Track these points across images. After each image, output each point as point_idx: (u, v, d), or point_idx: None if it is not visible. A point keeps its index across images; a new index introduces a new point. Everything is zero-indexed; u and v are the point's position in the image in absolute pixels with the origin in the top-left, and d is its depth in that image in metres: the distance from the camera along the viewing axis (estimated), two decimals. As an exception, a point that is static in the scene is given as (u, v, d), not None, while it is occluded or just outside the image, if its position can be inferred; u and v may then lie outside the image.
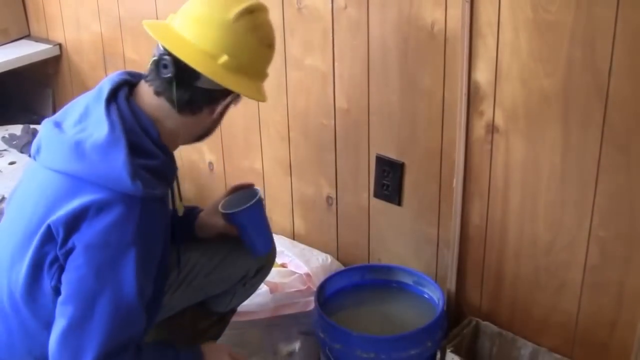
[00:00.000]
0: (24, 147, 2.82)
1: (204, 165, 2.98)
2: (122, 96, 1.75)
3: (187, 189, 3.07)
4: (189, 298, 2.17)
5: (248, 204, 2.04)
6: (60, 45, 3.35)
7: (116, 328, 1.66)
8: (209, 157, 2.95)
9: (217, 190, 2.95)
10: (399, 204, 2.43)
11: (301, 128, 2.60)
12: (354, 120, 2.43)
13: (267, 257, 2.22)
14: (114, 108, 1.71)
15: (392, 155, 2.38)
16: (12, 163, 2.76)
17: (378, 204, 2.49)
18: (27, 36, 3.47)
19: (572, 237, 2.06)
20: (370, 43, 2.30)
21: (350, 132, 2.46)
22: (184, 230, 2.11)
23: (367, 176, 2.48)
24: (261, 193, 2.08)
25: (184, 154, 3.03)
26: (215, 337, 2.33)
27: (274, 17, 2.46)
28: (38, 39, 3.43)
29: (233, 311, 2.33)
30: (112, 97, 1.74)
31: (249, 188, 2.13)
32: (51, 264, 1.69)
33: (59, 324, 1.66)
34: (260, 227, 2.10)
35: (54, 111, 3.49)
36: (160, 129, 1.75)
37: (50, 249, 1.68)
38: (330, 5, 2.34)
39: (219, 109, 1.80)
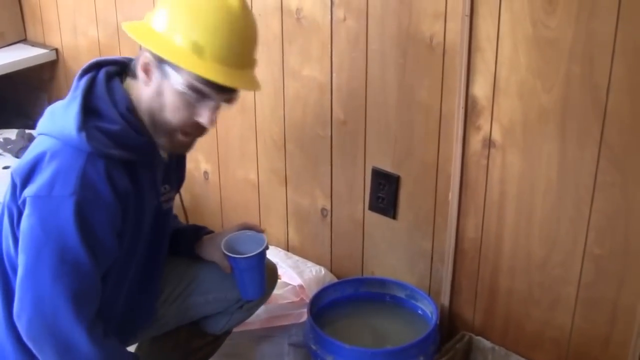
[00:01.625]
0: (19, 151, 2.81)
1: (199, 175, 2.97)
2: (104, 71, 1.81)
3: (182, 197, 3.07)
4: (184, 315, 2.17)
5: (252, 253, 2.03)
6: (56, 50, 3.35)
7: (66, 278, 1.69)
8: (204, 166, 2.95)
9: (212, 199, 2.95)
10: (394, 217, 2.43)
11: (297, 139, 2.60)
12: (350, 132, 2.43)
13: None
14: (87, 77, 1.79)
15: (388, 168, 2.38)
16: (6, 167, 2.75)
17: (373, 217, 2.48)
18: (24, 40, 3.47)
19: (567, 253, 2.06)
20: (368, 55, 2.30)
21: (347, 144, 2.46)
22: (187, 244, 2.14)
23: (362, 189, 2.48)
24: (267, 242, 2.08)
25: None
26: (207, 356, 2.33)
27: (273, 27, 2.47)
28: (34, 44, 3.42)
29: (228, 333, 2.32)
30: (94, 71, 1.83)
31: (257, 232, 2.12)
32: (18, 217, 1.75)
33: (18, 273, 1.72)
34: (256, 276, 2.08)
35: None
36: (136, 105, 1.80)
37: (14, 201, 1.76)
38: (329, 16, 2.34)
39: (152, 78, 1.76)
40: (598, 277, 2.03)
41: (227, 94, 1.79)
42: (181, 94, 1.74)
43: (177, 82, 1.73)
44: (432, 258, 2.38)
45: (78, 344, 1.71)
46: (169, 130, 1.81)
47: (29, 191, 1.70)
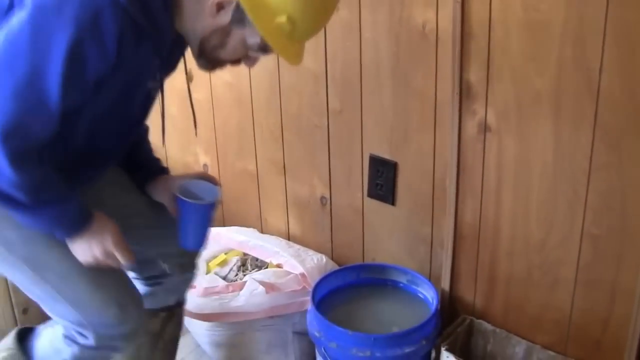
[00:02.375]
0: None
1: (199, 167, 2.98)
2: None
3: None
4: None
5: (204, 201, 1.99)
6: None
7: (21, 101, 1.60)
8: (203, 158, 2.96)
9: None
10: (393, 203, 2.44)
11: (294, 129, 2.61)
12: (347, 120, 2.44)
13: (190, 254, 2.21)
14: None
15: (385, 155, 2.39)
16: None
17: (372, 204, 2.50)
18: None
19: (565, 235, 2.07)
20: (362, 44, 2.31)
21: (344, 133, 2.47)
22: (141, 179, 2.11)
23: (360, 176, 2.49)
24: (220, 195, 2.03)
25: (178, 156, 3.03)
26: (176, 338, 2.34)
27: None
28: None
29: (180, 305, 2.32)
30: None
31: (213, 184, 2.07)
32: (8, 8, 1.66)
33: None
34: (201, 226, 2.02)
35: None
36: (174, 9, 1.74)
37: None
38: (323, 6, 2.35)
39: (222, 15, 1.71)
40: (596, 257, 2.04)
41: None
42: (247, 45, 1.75)
43: (251, 37, 1.72)
44: (431, 243, 2.39)
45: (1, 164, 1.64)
46: (216, 60, 1.82)
47: None
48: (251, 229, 2.85)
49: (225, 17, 1.71)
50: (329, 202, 2.62)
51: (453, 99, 2.14)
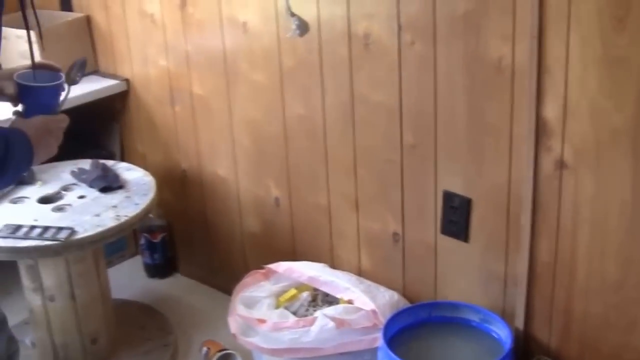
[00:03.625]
0: (93, 181, 2.86)
1: (270, 201, 2.99)
2: None
3: (253, 224, 3.10)
4: None
5: (50, 83, 1.92)
6: (127, 80, 3.41)
7: None
8: (275, 192, 2.97)
9: (283, 225, 2.97)
10: (466, 240, 2.42)
11: (368, 163, 2.60)
12: (420, 155, 2.43)
13: None
14: None
15: (459, 191, 2.37)
16: (81, 197, 2.81)
17: (445, 241, 2.48)
18: (96, 72, 3.54)
19: (644, 275, 2.03)
20: (437, 78, 2.30)
21: (417, 168, 2.46)
22: None
23: (433, 212, 2.47)
24: (64, 80, 1.96)
25: (249, 188, 3.05)
26: None
27: (341, 53, 2.49)
28: (106, 75, 3.49)
29: None
30: None
31: (55, 71, 1.99)
32: None
33: None
34: (50, 111, 1.93)
35: (122, 146, 3.55)
36: None
37: None
38: (397, 41, 2.35)
39: None
40: (676, 298, 1.99)
41: None
42: None
43: None
44: (505, 281, 2.36)
45: None
46: None
47: None
48: (322, 264, 2.84)
49: None
50: (401, 238, 2.60)
51: (528, 134, 2.12)
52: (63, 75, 1.98)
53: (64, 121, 1.93)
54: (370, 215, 2.67)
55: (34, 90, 1.93)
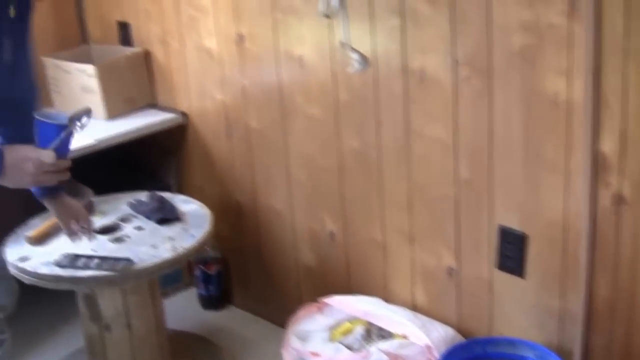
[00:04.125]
0: (150, 213, 2.90)
1: (325, 235, 3.00)
2: None
3: (307, 257, 3.11)
4: None
5: (48, 120, 2.24)
6: (185, 114, 3.45)
7: None
8: (330, 226, 2.98)
9: (338, 259, 2.97)
10: (522, 275, 2.39)
11: (422, 198, 2.60)
12: (475, 190, 2.42)
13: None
14: None
15: (514, 225, 2.36)
16: (138, 228, 2.84)
17: (500, 276, 2.46)
18: (153, 105, 3.59)
19: None
20: (492, 113, 2.30)
21: (472, 203, 2.45)
22: None
23: (488, 247, 2.45)
24: (68, 119, 2.25)
25: (304, 221, 3.06)
26: None
27: (396, 88, 2.50)
28: (164, 108, 3.54)
29: None
30: None
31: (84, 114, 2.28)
32: None
33: None
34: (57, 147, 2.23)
35: (179, 179, 3.59)
36: None
37: None
38: (453, 76, 2.35)
39: None
40: None
41: None
42: None
43: None
44: (562, 317, 2.33)
45: None
46: None
47: None
48: (376, 298, 2.84)
49: None
50: (456, 272, 2.59)
51: (585, 169, 2.10)
52: (67, 118, 2.26)
53: (49, 157, 2.18)
54: (425, 250, 2.66)
55: (36, 122, 2.24)
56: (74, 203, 2.60)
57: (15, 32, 2.22)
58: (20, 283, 2.76)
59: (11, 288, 2.81)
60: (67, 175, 2.27)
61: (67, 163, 2.26)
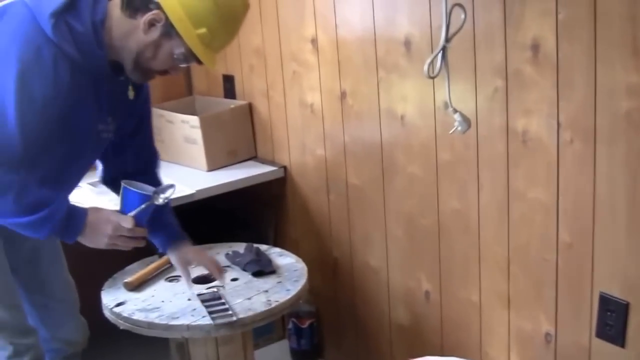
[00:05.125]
0: (247, 265, 2.92)
1: (420, 294, 2.98)
2: None
3: (401, 315, 3.08)
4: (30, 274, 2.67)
5: (139, 192, 2.40)
6: (285, 167, 3.49)
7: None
8: (425, 285, 2.95)
9: (432, 319, 2.94)
10: (623, 345, 2.32)
11: (522, 261, 2.56)
12: (577, 255, 2.37)
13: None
14: None
15: (616, 293, 2.30)
16: (234, 279, 2.86)
17: (600, 345, 2.39)
18: (254, 158, 3.64)
19: None
20: (596, 177, 2.25)
21: (573, 268, 2.40)
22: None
23: (589, 314, 2.39)
24: (153, 192, 2.43)
25: (400, 280, 3.04)
26: None
27: (498, 148, 2.48)
28: (264, 161, 3.59)
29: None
30: None
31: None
32: None
33: None
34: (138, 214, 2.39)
35: (276, 231, 3.62)
36: (107, 23, 2.17)
37: None
38: (556, 138, 2.33)
39: (153, 31, 2.15)
40: None
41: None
42: (174, 56, 2.19)
43: (177, 48, 2.17)
44: (664, 391, 2.25)
45: None
46: (148, 70, 2.26)
47: None
48: (470, 361, 2.80)
49: (156, 32, 2.16)
50: (553, 338, 2.53)
51: (693, 239, 2.04)
52: (152, 191, 2.44)
53: (128, 223, 2.34)
54: (522, 314, 2.61)
55: (123, 189, 2.41)
56: (198, 249, 2.78)
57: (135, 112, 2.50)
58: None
59: (81, 324, 2.90)
60: (142, 243, 2.42)
61: (144, 232, 2.40)
